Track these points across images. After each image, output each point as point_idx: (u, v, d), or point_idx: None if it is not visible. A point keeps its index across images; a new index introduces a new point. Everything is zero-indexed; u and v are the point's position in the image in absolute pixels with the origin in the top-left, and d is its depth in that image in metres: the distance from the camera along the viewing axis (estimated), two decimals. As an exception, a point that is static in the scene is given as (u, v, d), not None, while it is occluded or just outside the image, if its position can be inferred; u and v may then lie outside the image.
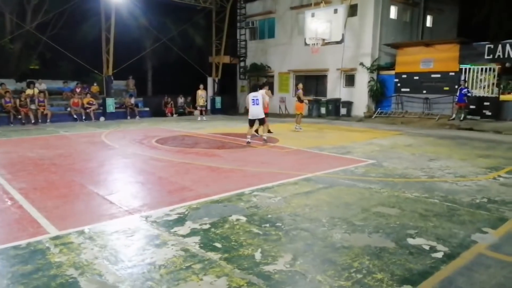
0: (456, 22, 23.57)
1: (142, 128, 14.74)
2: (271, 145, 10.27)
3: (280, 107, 21.90)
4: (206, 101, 19.41)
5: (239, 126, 15.07)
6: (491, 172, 7.00)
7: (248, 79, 24.32)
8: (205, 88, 19.61)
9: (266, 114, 13.44)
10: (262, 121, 10.59)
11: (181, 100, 21.63)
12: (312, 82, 21.00)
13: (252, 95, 10.49)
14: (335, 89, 19.77)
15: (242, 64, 24.26)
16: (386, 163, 7.78)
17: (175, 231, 4.08)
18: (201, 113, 18.61)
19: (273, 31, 22.71)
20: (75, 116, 17.22)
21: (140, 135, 12.39)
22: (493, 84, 16.15)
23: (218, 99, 23.33)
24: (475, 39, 16.55)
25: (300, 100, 13.71)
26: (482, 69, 16.20)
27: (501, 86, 16.35)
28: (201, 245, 3.74)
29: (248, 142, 10.31)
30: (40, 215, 4.57)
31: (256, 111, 10.35)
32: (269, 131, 13.19)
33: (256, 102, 10.32)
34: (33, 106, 16.14)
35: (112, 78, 18.79)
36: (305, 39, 16.40)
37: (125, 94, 20.35)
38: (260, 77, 23.62)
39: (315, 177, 6.51)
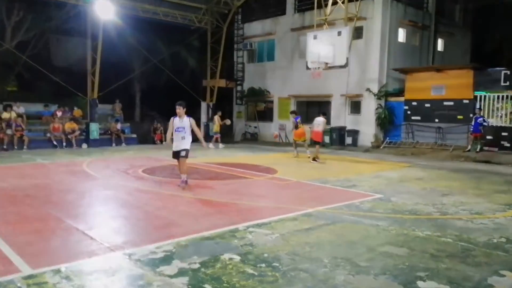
0: (469, 47, 24.23)
1: (128, 156, 14.79)
2: (269, 176, 10.32)
3: (280, 135, 22.10)
4: (221, 127, 19.31)
5: (234, 155, 15.16)
6: (509, 209, 7.04)
7: (246, 104, 24.64)
8: (199, 114, 19.77)
9: (318, 143, 13.57)
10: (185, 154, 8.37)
11: (172, 126, 21.77)
12: (314, 108, 21.26)
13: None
14: (340, 116, 20.04)
15: (239, 88, 24.66)
16: (395, 198, 7.82)
17: (161, 271, 4.07)
18: (216, 141, 18.57)
19: (272, 54, 23.24)
20: (55, 143, 17.24)
21: (126, 164, 12.42)
22: (510, 113, 16.42)
23: (212, 126, 23.52)
24: (490, 65, 16.97)
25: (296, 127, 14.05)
26: (498, 96, 16.51)
27: (520, 115, 16.63)
28: (190, 286, 3.73)
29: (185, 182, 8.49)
30: (12, 251, 4.55)
31: (181, 143, 8.34)
32: (314, 159, 13.37)
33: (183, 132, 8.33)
34: (9, 131, 16.15)
35: (97, 102, 18.97)
36: (306, 63, 16.76)
37: (110, 119, 20.49)
38: (259, 102, 23.97)
39: (316, 213, 6.53)
